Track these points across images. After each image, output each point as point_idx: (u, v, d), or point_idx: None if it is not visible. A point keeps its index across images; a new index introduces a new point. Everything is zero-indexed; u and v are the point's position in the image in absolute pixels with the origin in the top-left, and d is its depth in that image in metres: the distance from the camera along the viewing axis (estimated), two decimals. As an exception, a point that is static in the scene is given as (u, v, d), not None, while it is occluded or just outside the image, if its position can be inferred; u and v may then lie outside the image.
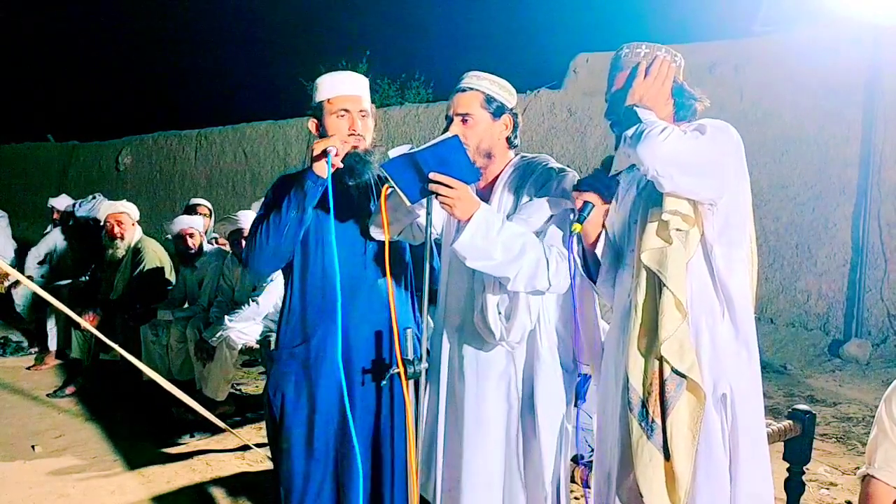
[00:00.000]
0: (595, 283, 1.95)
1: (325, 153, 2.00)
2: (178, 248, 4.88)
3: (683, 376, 1.68)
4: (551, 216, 1.95)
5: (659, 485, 1.69)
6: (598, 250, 1.92)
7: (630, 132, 1.67)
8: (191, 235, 4.82)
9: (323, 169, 2.01)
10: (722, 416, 1.73)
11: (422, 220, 1.98)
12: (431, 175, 1.77)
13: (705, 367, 1.72)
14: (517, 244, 1.83)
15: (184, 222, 4.88)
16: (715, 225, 1.73)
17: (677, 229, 1.70)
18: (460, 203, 1.79)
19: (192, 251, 4.81)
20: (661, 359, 1.70)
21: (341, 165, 2.06)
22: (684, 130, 1.67)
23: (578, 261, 1.91)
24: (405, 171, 1.80)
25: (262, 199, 2.29)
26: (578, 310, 1.99)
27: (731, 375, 1.74)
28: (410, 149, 1.84)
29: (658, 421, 1.70)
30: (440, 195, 1.79)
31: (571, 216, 1.88)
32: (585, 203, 1.83)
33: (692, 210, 1.70)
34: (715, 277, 1.75)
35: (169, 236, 4.97)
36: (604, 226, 1.93)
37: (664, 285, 1.69)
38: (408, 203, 1.86)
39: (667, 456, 1.69)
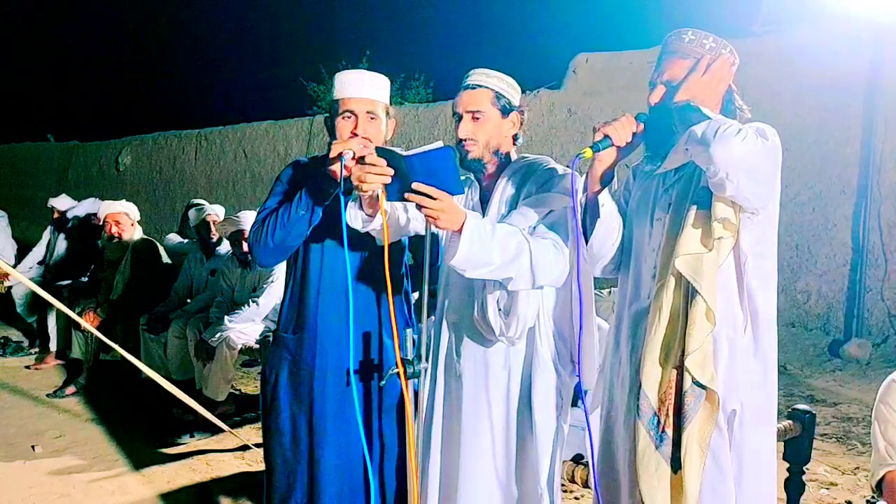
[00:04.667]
0: (587, 240, 1.83)
1: (340, 156, 1.96)
2: (201, 235, 4.89)
3: (704, 388, 1.61)
4: (550, 211, 1.94)
5: (664, 497, 1.64)
6: (601, 198, 1.80)
7: (699, 129, 1.56)
8: (215, 222, 4.80)
9: (336, 172, 1.97)
10: (730, 432, 1.67)
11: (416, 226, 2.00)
12: (414, 185, 1.73)
13: (719, 381, 1.64)
14: (513, 244, 1.81)
15: (210, 208, 4.89)
16: (752, 235, 1.66)
17: (719, 237, 1.62)
18: (444, 215, 1.75)
19: (214, 240, 4.80)
20: (679, 369, 1.64)
21: None
22: (755, 134, 1.56)
23: (580, 198, 1.80)
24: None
25: (271, 189, 2.26)
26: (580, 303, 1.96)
27: (744, 392, 1.67)
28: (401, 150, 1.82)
29: (669, 432, 1.65)
30: (424, 206, 1.74)
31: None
32: (605, 137, 1.72)
33: (736, 217, 1.62)
34: (743, 289, 1.67)
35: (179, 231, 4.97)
36: (610, 169, 1.80)
37: (697, 293, 1.61)
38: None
39: (674, 469, 1.64)
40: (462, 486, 2.02)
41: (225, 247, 4.87)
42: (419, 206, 1.76)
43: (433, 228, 1.87)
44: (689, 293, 1.64)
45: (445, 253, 1.85)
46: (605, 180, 1.81)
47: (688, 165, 1.74)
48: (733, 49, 1.75)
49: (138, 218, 5.33)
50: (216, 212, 4.92)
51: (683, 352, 1.63)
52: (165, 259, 5.25)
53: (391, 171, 1.76)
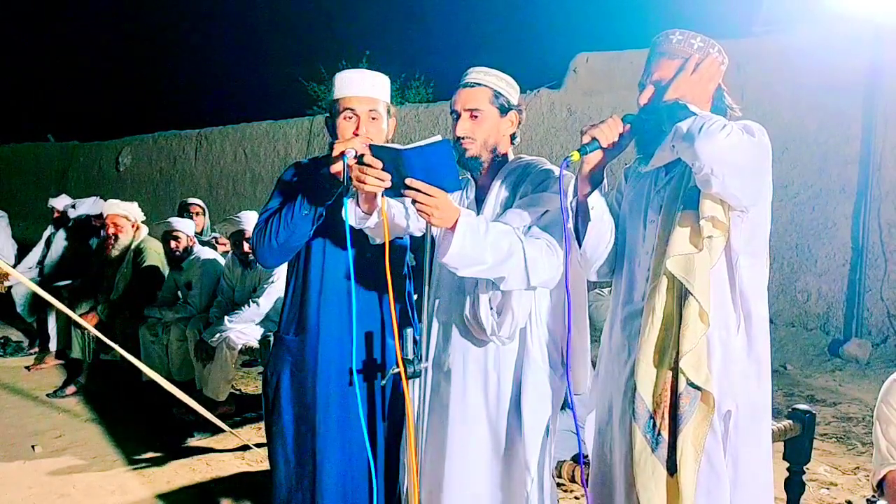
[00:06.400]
0: (580, 244, 1.84)
1: (342, 155, 1.93)
2: (165, 249, 4.90)
3: (699, 389, 1.61)
4: (545, 212, 1.93)
5: (660, 500, 1.63)
6: (591, 201, 1.80)
7: (685, 125, 1.56)
8: (175, 238, 4.79)
9: (339, 172, 1.94)
10: (724, 434, 1.66)
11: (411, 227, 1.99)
12: (408, 181, 1.71)
13: (713, 382, 1.63)
14: (505, 243, 1.81)
15: (170, 225, 4.86)
16: (742, 233, 1.65)
17: (708, 236, 1.61)
18: (439, 212, 1.73)
19: (177, 254, 4.80)
20: (674, 370, 1.64)
21: None
22: (740, 130, 1.56)
23: (570, 211, 1.81)
24: (387, 165, 1.75)
25: (273, 190, 2.26)
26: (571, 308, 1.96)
27: (739, 393, 1.66)
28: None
29: (665, 434, 1.64)
30: (418, 202, 1.73)
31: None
32: (593, 139, 1.73)
33: (724, 215, 1.61)
34: (735, 289, 1.67)
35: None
36: (597, 171, 1.80)
37: (690, 294, 1.60)
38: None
39: (671, 471, 1.63)
40: (446, 485, 2.00)
41: (195, 252, 4.86)
42: (413, 202, 1.75)
43: (432, 230, 1.87)
44: (681, 294, 1.64)
45: (438, 250, 1.84)
46: (595, 182, 1.81)
47: (678, 166, 1.74)
48: (721, 49, 1.75)
49: (142, 219, 5.32)
50: (177, 227, 4.85)
51: (678, 353, 1.63)
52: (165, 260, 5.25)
53: (388, 175, 1.74)
